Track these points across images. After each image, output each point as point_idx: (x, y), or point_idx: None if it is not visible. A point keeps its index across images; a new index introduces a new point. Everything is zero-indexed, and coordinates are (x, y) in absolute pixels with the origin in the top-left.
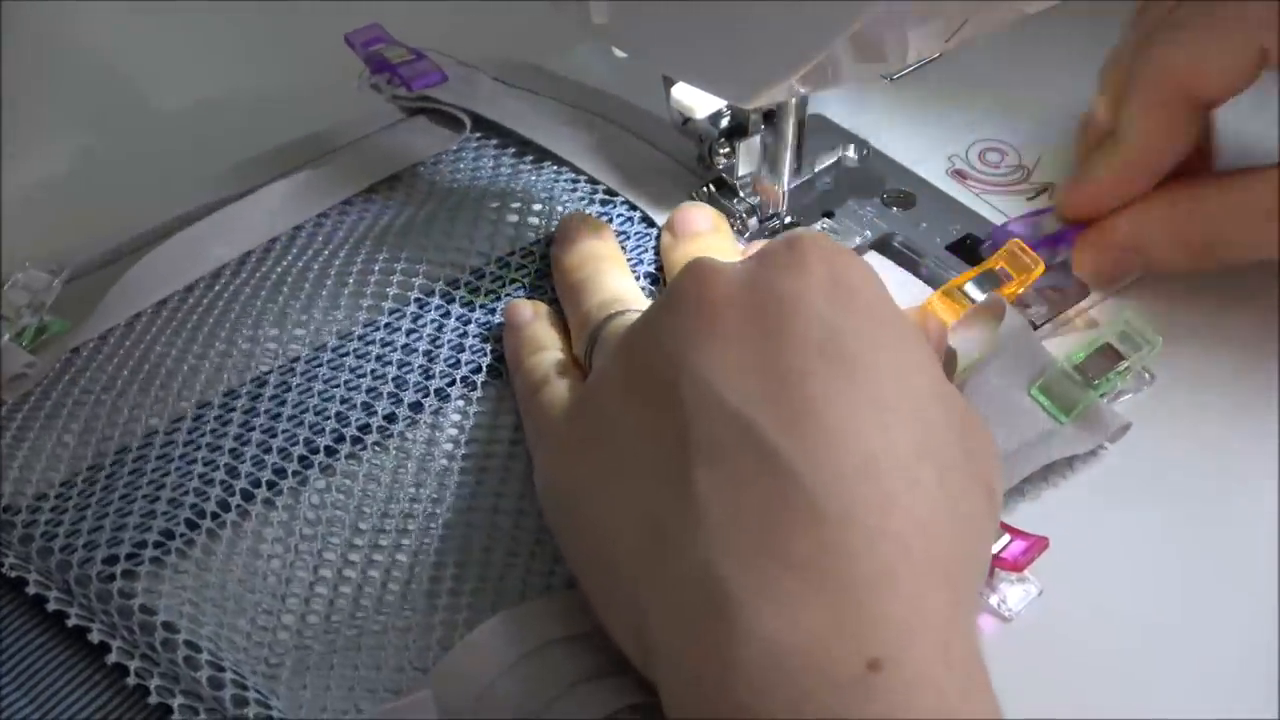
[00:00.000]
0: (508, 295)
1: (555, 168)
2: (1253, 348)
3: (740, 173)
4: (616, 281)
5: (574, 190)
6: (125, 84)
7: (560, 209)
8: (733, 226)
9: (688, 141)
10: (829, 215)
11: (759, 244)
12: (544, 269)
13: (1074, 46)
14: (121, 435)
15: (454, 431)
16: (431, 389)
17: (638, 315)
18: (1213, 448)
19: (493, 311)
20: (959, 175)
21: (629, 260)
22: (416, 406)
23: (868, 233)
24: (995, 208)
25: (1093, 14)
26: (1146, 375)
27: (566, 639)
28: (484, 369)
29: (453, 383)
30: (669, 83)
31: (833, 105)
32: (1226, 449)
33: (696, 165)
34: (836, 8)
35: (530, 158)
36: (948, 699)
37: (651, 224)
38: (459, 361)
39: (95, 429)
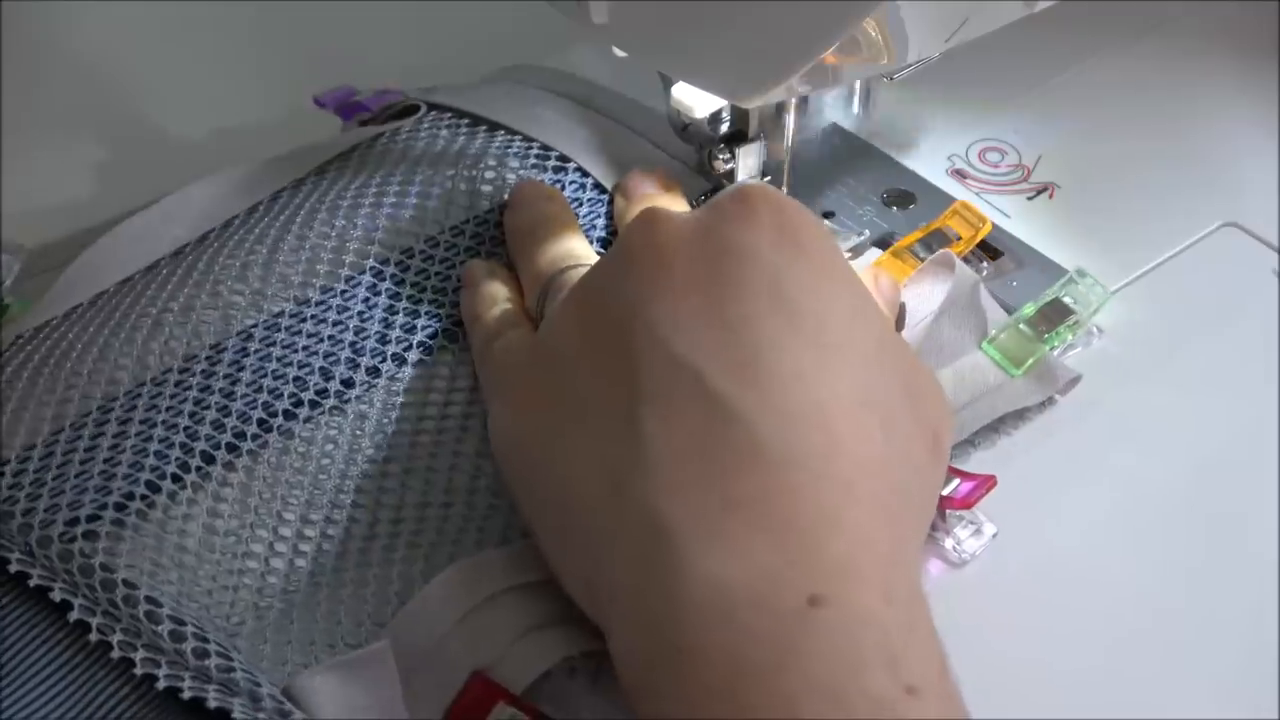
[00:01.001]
0: (462, 261)
1: (507, 137)
2: (1197, 300)
3: (740, 179)
4: (568, 240)
5: (525, 158)
6: (125, 84)
7: (512, 176)
8: None
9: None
10: (829, 215)
11: None
12: (498, 235)
13: (1074, 46)
14: (81, 403)
15: (411, 394)
16: (388, 354)
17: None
18: (1162, 398)
19: (447, 278)
20: (959, 175)
21: (582, 226)
22: (374, 371)
23: (867, 232)
24: (995, 207)
25: (1093, 14)
26: (1095, 329)
27: (519, 588)
28: (439, 333)
29: (409, 347)
30: (669, 83)
31: (832, 105)
32: (1175, 400)
33: (696, 170)
34: (836, 8)
35: (484, 129)
36: (890, 634)
37: (604, 190)
38: (415, 327)
39: (56, 399)
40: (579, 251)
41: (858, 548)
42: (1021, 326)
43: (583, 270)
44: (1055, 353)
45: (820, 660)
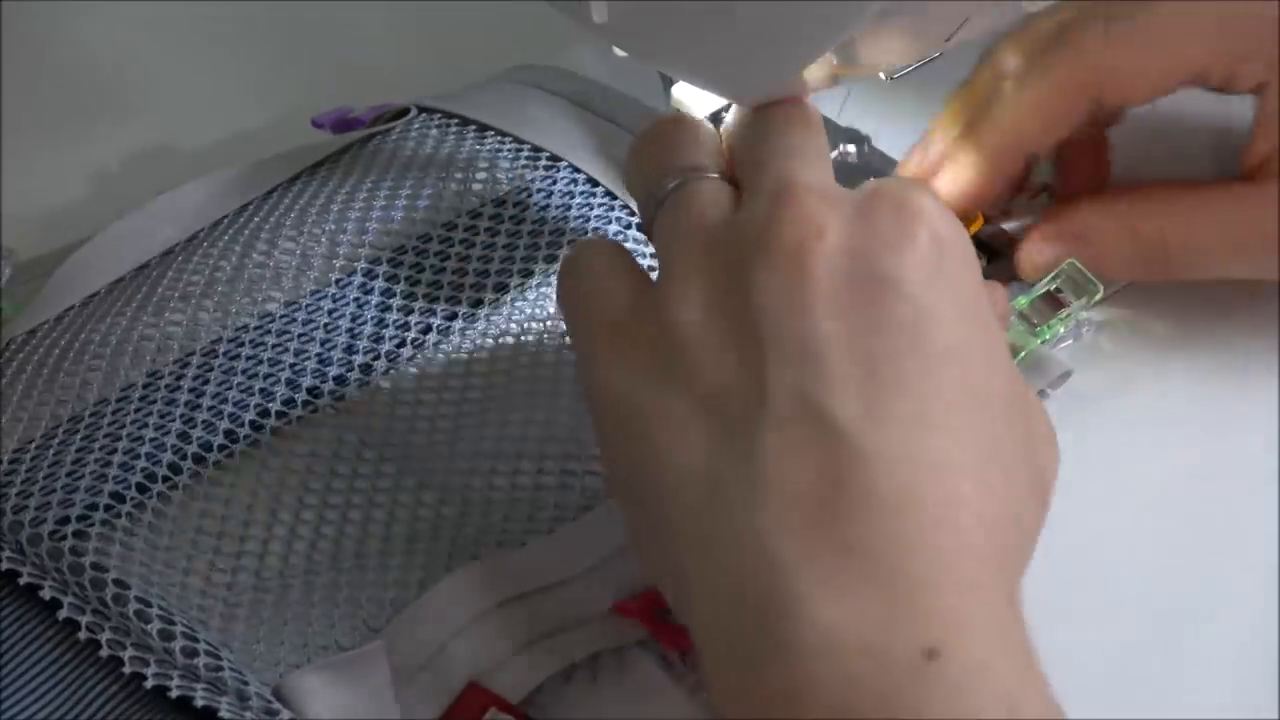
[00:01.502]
0: (457, 259)
1: (498, 138)
2: (1197, 299)
3: None
4: (693, 136)
5: (516, 158)
6: (125, 84)
7: (503, 177)
8: None
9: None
10: None
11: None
12: (493, 227)
13: None
14: (75, 404)
15: (405, 393)
16: (382, 351)
17: (715, 189)
18: (1159, 397)
19: (440, 272)
20: None
21: (575, 222)
22: (366, 369)
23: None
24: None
25: None
26: (1089, 322)
27: (519, 597)
28: (433, 329)
29: (402, 344)
30: (669, 83)
31: (832, 105)
32: (1173, 399)
33: None
34: (836, 8)
35: (474, 129)
36: (1005, 683)
37: (596, 184)
38: (408, 324)
39: (49, 399)
40: (696, 153)
41: (971, 600)
42: (1013, 319)
43: (705, 184)
44: (1047, 347)
45: (937, 713)
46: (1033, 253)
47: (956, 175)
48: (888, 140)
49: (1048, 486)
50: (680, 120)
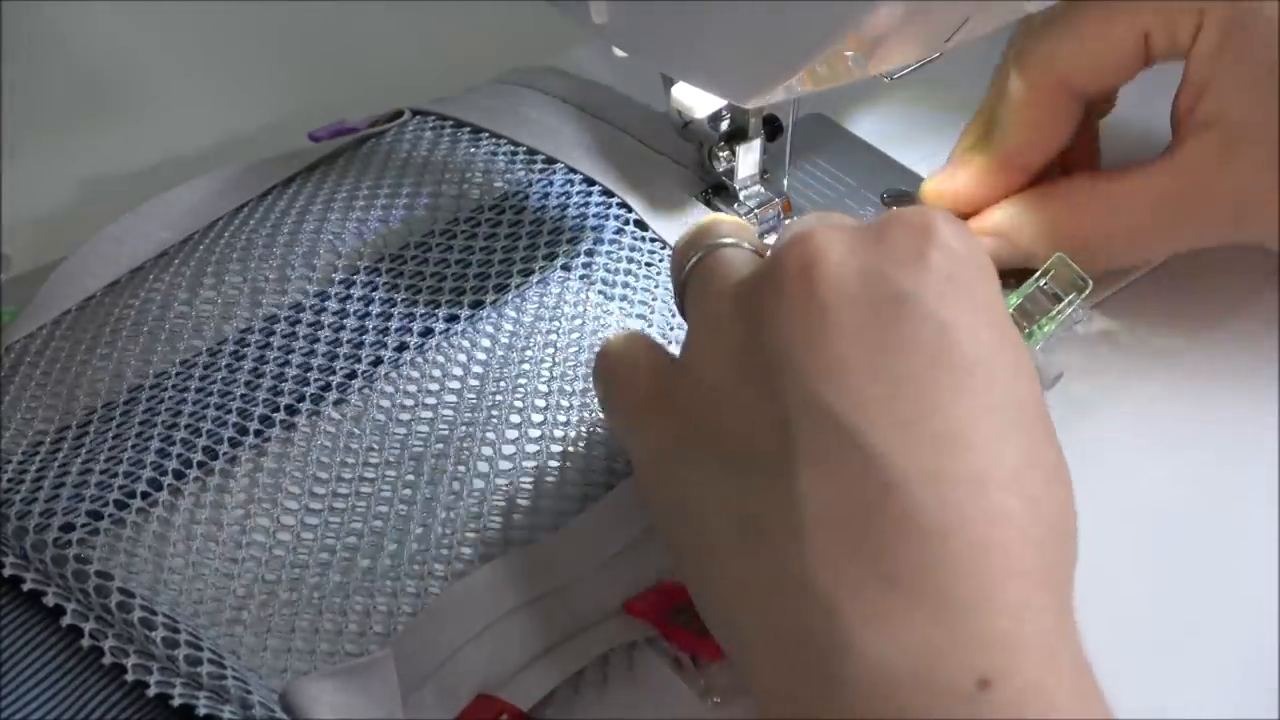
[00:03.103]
0: (455, 257)
1: (493, 139)
2: (1196, 298)
3: (740, 176)
4: (719, 218)
5: (512, 161)
6: (124, 88)
7: (498, 179)
8: None
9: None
10: None
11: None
12: (491, 231)
13: None
14: (78, 410)
15: (407, 395)
16: (384, 354)
17: (740, 255)
18: (1157, 396)
19: (442, 277)
20: None
21: (574, 218)
22: (369, 371)
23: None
24: None
25: None
26: (1080, 315)
27: (528, 604)
28: (435, 331)
29: (403, 346)
30: (669, 83)
31: (833, 105)
32: (1171, 398)
33: (697, 169)
34: (836, 8)
35: (468, 131)
36: (1059, 706)
37: (593, 183)
38: (410, 327)
39: (49, 405)
40: (726, 229)
41: (1021, 621)
42: None
43: (734, 254)
44: (1038, 349)
45: None
46: None
47: (968, 190)
48: (889, 141)
49: (1071, 484)
50: (718, 215)
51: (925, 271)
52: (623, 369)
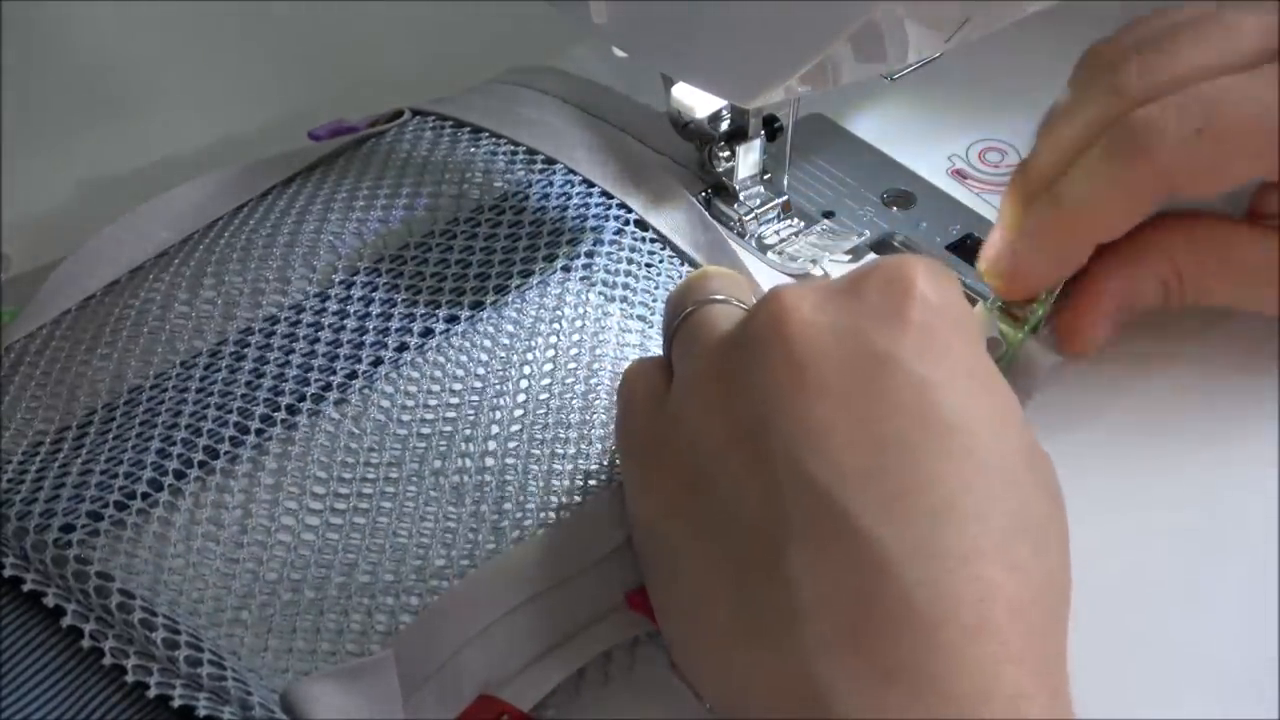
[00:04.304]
0: (455, 257)
1: (492, 139)
2: None
3: (740, 176)
4: (713, 271)
5: (512, 161)
6: (124, 89)
7: (498, 179)
8: (732, 229)
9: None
10: (829, 215)
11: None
12: (491, 232)
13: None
14: (79, 410)
15: (407, 395)
16: (384, 354)
17: (726, 311)
18: (1156, 396)
19: (442, 278)
20: (959, 175)
21: (574, 219)
22: (369, 371)
23: (866, 233)
24: (995, 208)
25: (1093, 14)
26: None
27: (529, 602)
28: (435, 331)
29: (403, 347)
30: (669, 83)
31: (833, 105)
32: (1169, 397)
33: (696, 169)
34: (836, 8)
35: (468, 131)
36: None
37: (592, 185)
38: (410, 327)
39: (49, 405)
40: (716, 285)
41: (1017, 713)
42: (996, 311)
43: (714, 308)
44: (1034, 340)
45: None
46: (1084, 326)
47: (1027, 267)
48: (889, 141)
49: (1067, 530)
50: (710, 270)
51: (903, 328)
52: (623, 403)
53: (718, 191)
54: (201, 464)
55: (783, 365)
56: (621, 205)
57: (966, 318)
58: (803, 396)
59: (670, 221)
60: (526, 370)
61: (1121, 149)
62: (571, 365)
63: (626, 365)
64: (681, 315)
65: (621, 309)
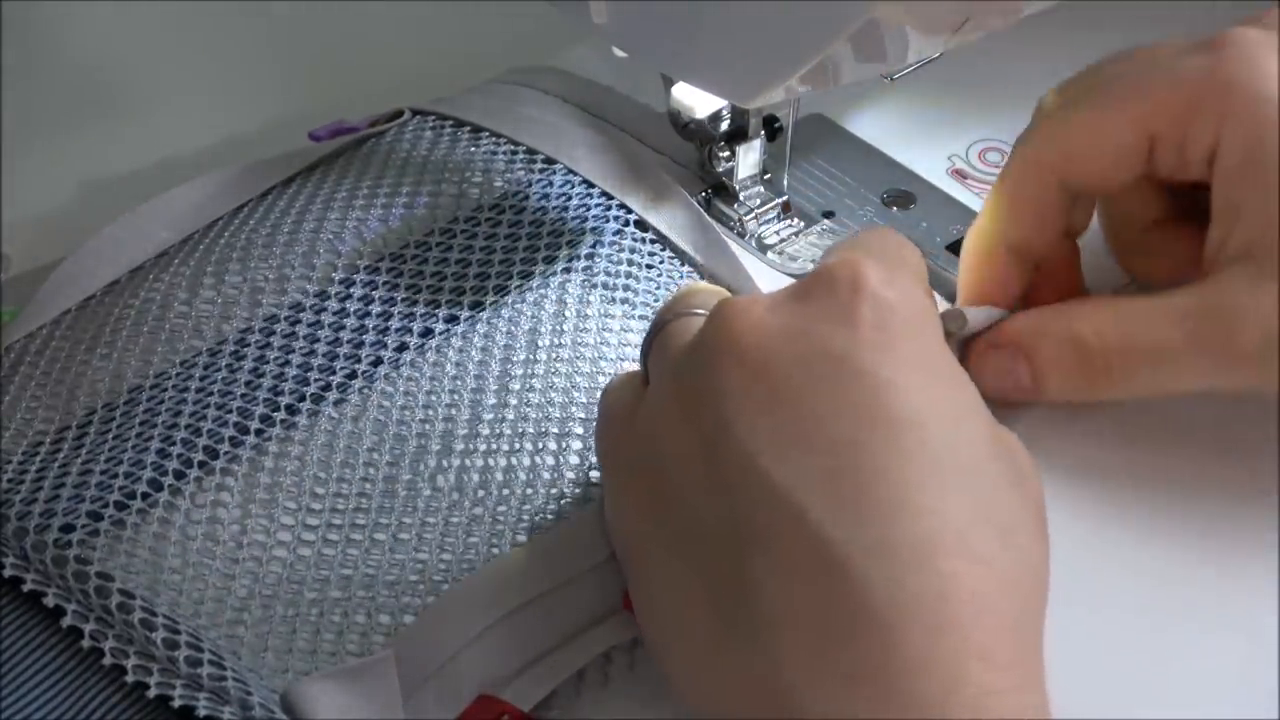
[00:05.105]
0: (454, 257)
1: (492, 139)
2: None
3: (740, 176)
4: (694, 286)
5: (512, 160)
6: (126, 84)
7: (498, 179)
8: (732, 229)
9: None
10: (829, 215)
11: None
12: (491, 232)
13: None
14: (79, 410)
15: (407, 395)
16: (384, 354)
17: (696, 324)
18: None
19: (440, 274)
20: (959, 175)
21: (574, 219)
22: (368, 371)
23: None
24: None
25: (1093, 14)
26: None
27: (530, 603)
28: (434, 332)
29: (403, 347)
30: (669, 83)
31: (833, 105)
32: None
33: (697, 169)
34: (836, 8)
35: (468, 130)
36: None
37: (592, 185)
38: (409, 327)
39: (49, 405)
40: (699, 299)
41: (984, 711)
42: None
43: (687, 320)
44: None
45: None
46: (978, 367)
47: (967, 279)
48: (889, 141)
49: (1042, 518)
50: (695, 285)
51: (854, 327)
52: (600, 417)
53: (718, 191)
54: (201, 464)
55: (735, 369)
56: (621, 205)
57: (920, 311)
58: (755, 400)
59: (670, 222)
60: (526, 370)
61: (1019, 139)
62: (572, 366)
63: (627, 366)
64: (657, 329)
65: (622, 309)
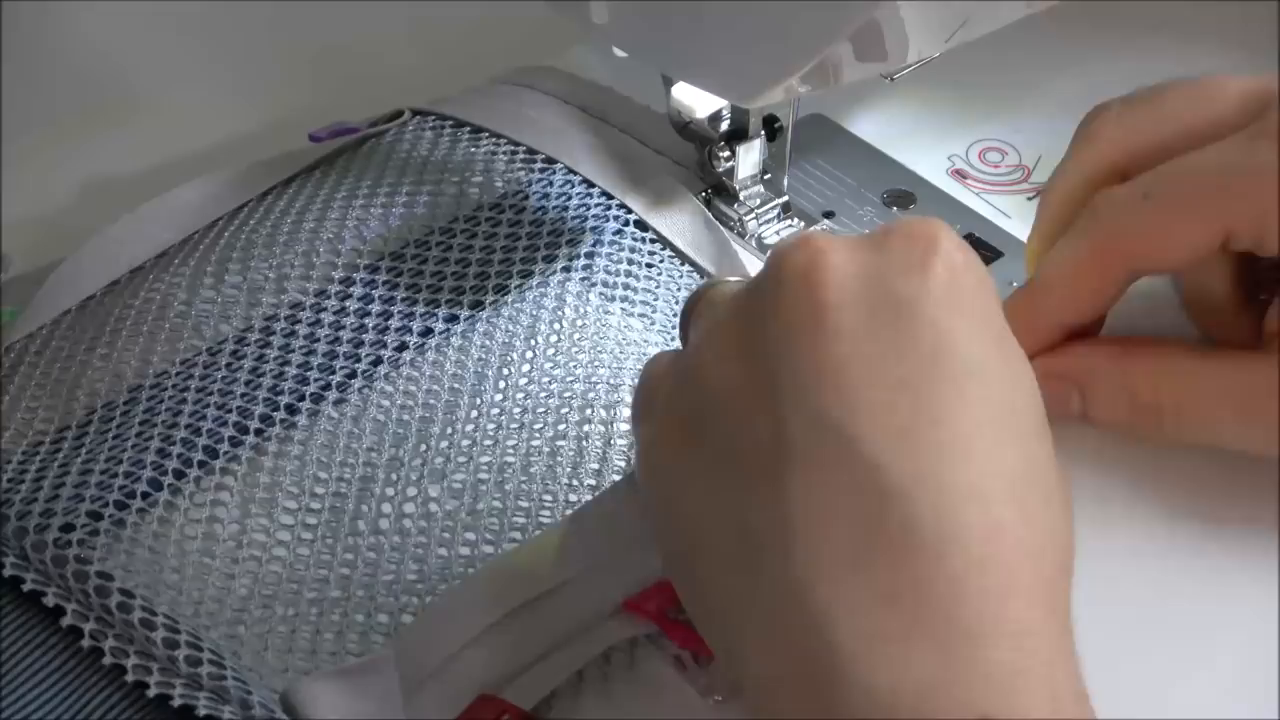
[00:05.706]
0: (454, 257)
1: (492, 139)
2: None
3: (740, 176)
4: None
5: (512, 160)
6: (126, 84)
7: (498, 178)
8: (732, 229)
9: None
10: (829, 215)
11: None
12: (491, 231)
13: (1074, 46)
14: (79, 409)
15: (407, 395)
16: (383, 354)
17: (743, 282)
18: None
19: (440, 274)
20: (959, 175)
21: (574, 219)
22: (368, 371)
23: (867, 233)
24: (995, 207)
25: (1093, 14)
26: None
27: (530, 603)
28: (434, 331)
29: (403, 347)
30: (669, 83)
31: (833, 105)
32: None
33: (697, 169)
34: (836, 8)
35: (468, 130)
36: None
37: (592, 185)
38: (409, 327)
39: (53, 405)
40: (732, 275)
41: (1022, 652)
42: None
43: (726, 287)
44: None
45: None
46: None
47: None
48: (889, 141)
49: (1070, 501)
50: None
51: (926, 279)
52: (641, 381)
53: (718, 191)
54: (201, 463)
55: (807, 305)
56: (621, 206)
57: (986, 278)
58: (821, 336)
59: (670, 222)
60: (526, 370)
61: (1080, 223)
62: (572, 365)
63: (627, 365)
64: (697, 297)
65: (622, 309)
